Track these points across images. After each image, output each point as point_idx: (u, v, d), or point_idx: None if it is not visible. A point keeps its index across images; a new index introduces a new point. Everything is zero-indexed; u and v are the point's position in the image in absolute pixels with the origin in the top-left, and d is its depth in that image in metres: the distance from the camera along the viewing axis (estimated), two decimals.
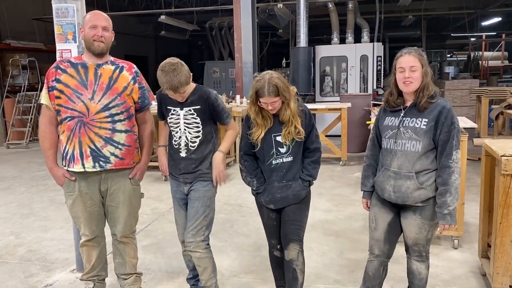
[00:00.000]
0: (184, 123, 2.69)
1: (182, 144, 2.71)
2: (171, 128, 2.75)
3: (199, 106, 2.67)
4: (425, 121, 2.33)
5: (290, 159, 2.59)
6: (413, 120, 2.36)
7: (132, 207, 2.81)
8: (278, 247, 2.76)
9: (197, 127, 2.69)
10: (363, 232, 4.28)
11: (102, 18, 2.60)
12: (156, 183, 6.44)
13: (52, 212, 5.18)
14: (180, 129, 2.70)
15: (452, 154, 2.29)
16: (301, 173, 2.63)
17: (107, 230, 2.85)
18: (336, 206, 5.12)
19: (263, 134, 2.57)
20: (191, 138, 2.70)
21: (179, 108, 2.68)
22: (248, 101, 2.60)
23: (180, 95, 2.59)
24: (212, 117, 2.73)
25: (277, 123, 2.56)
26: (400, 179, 2.39)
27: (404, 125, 2.38)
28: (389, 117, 2.47)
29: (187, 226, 2.75)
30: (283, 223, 2.66)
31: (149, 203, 5.29)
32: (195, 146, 2.70)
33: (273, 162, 2.59)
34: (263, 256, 3.77)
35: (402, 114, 2.41)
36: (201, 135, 2.70)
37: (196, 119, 2.68)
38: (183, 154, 2.71)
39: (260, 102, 2.49)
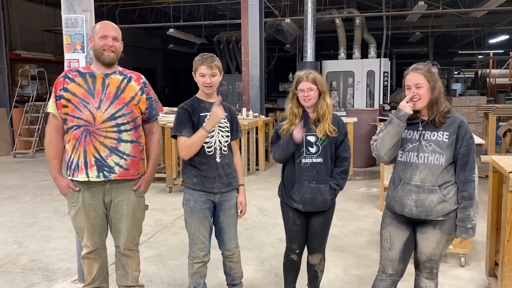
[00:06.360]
0: (219, 126, 2.76)
1: (217, 147, 2.76)
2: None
3: (227, 114, 2.80)
4: (446, 134, 2.32)
5: (320, 160, 2.72)
6: (434, 134, 2.35)
7: (136, 219, 2.78)
8: (297, 251, 2.90)
9: (227, 131, 2.82)
10: (368, 247, 4.23)
11: (112, 28, 2.61)
12: (161, 194, 6.43)
13: (56, 221, 5.18)
14: (214, 133, 2.75)
15: (475, 168, 2.31)
16: (329, 180, 2.76)
17: (110, 241, 2.82)
18: (341, 221, 5.08)
19: (291, 128, 2.69)
20: (224, 142, 2.79)
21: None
22: (287, 100, 2.82)
23: (212, 74, 2.69)
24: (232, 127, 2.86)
25: (309, 123, 2.73)
26: (423, 192, 2.35)
27: (425, 138, 2.36)
28: (407, 130, 2.43)
29: (229, 235, 2.89)
30: (310, 235, 2.86)
31: (153, 215, 5.27)
32: (226, 151, 2.80)
33: (303, 160, 2.73)
34: (266, 270, 3.73)
35: (420, 128, 2.39)
36: (229, 140, 2.82)
37: (227, 123, 2.82)
38: (218, 159, 2.76)
39: (298, 94, 2.70)
